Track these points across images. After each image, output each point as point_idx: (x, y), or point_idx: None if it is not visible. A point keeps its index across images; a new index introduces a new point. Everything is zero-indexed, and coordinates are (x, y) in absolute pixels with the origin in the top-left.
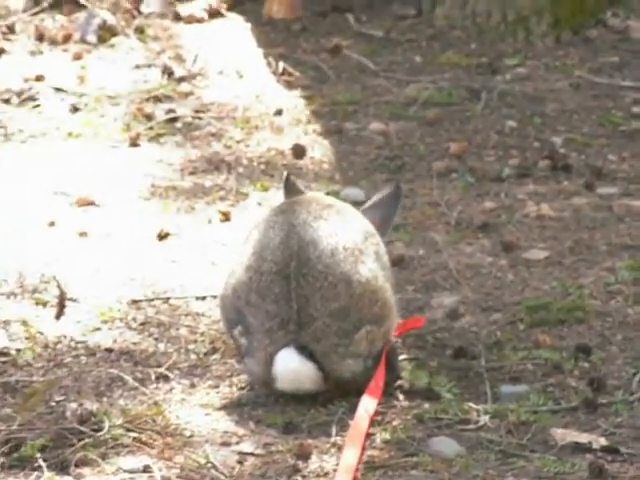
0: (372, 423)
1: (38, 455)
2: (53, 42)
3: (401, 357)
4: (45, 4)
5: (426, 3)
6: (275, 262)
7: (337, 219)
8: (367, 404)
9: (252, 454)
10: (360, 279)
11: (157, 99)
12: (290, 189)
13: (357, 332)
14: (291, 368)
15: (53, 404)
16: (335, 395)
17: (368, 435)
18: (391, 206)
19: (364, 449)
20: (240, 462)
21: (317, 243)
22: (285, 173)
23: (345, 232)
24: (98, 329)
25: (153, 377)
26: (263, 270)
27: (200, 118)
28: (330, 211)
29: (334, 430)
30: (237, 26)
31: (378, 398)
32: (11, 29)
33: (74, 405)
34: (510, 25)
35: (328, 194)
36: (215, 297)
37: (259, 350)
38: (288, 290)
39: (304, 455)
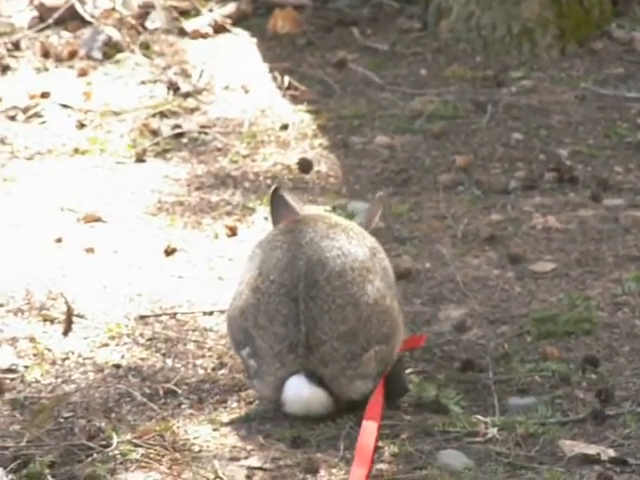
0: (380, 436)
1: (47, 471)
2: (58, 59)
3: (408, 370)
4: (50, 21)
5: (431, 16)
6: (283, 284)
7: (344, 238)
8: (369, 424)
9: (261, 469)
10: (368, 301)
11: (163, 115)
12: (277, 204)
13: (365, 353)
14: (301, 396)
15: (61, 420)
16: (345, 412)
17: (376, 448)
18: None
19: (372, 462)
20: (249, 477)
21: (325, 264)
22: (274, 186)
23: (352, 251)
24: (106, 345)
25: (161, 393)
26: (271, 292)
27: (206, 133)
28: (337, 230)
29: (342, 444)
30: (242, 41)
31: (379, 414)
32: (16, 46)
33: (82, 421)
34: (515, 38)
35: (335, 208)
36: (222, 312)
37: (269, 374)
38: (297, 312)
39: (312, 469)
